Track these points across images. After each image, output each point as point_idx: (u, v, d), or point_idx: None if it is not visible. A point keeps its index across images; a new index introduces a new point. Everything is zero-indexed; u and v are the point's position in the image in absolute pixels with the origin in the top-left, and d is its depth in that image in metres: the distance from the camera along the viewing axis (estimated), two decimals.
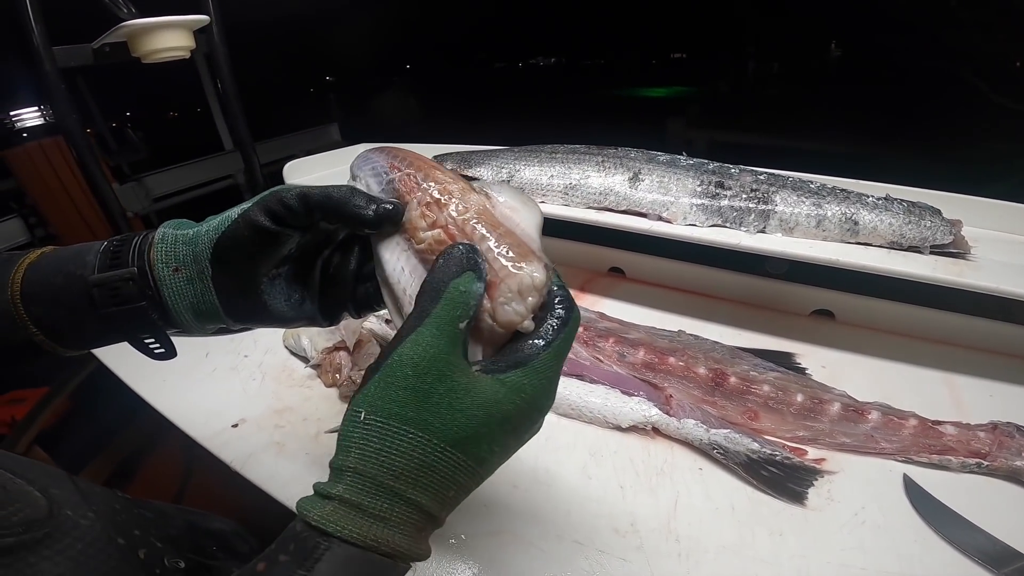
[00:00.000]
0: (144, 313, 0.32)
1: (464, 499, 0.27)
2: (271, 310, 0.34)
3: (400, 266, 0.31)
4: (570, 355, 0.32)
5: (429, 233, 0.30)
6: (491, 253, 0.27)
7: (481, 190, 0.31)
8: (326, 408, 0.64)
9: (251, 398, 0.67)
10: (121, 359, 0.71)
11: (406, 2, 2.82)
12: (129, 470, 1.25)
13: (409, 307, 0.29)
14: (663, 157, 0.68)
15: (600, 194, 0.68)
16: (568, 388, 0.59)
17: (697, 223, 0.63)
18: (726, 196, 0.62)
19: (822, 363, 0.63)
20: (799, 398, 0.55)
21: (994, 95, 1.63)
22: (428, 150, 0.95)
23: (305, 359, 0.71)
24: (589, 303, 0.80)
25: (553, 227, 0.65)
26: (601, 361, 0.61)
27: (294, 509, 0.49)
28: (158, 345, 0.35)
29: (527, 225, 0.30)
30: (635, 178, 0.66)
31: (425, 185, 0.31)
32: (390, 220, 0.30)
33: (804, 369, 0.62)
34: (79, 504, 0.32)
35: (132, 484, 1.22)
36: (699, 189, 0.63)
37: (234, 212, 0.32)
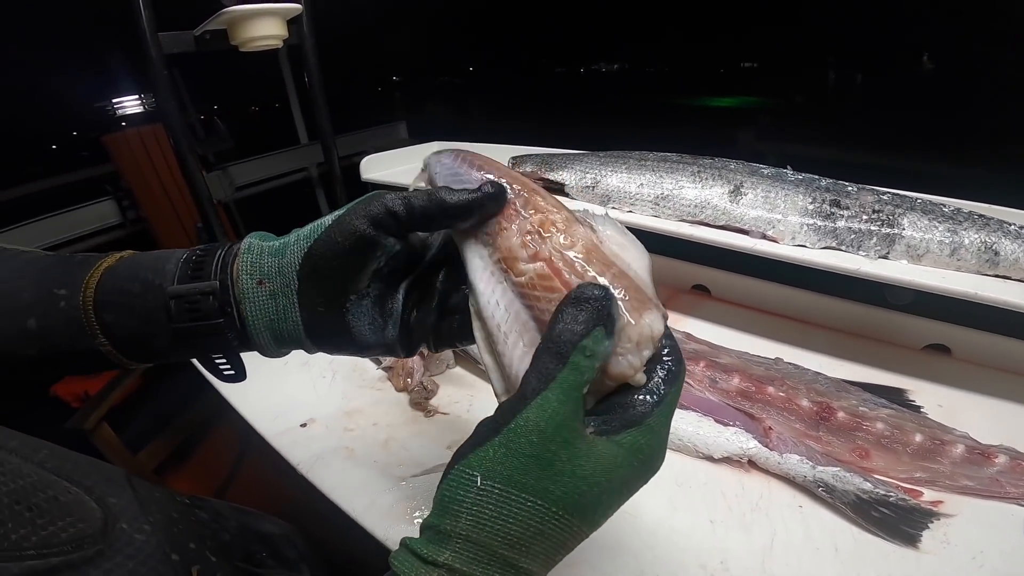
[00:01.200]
0: (220, 331, 0.30)
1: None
2: (353, 333, 0.32)
3: (495, 300, 0.28)
4: None
5: (531, 266, 0.27)
6: None
7: (585, 221, 0.29)
8: (397, 414, 0.63)
9: (321, 397, 0.66)
10: None
11: (468, 6, 2.85)
12: (185, 452, 1.29)
13: (503, 346, 0.27)
14: (767, 170, 0.63)
15: (696, 207, 0.64)
16: None
17: (808, 244, 0.57)
18: (843, 216, 0.57)
19: (939, 401, 0.57)
20: (917, 438, 0.50)
21: None
22: (499, 150, 0.93)
23: (377, 360, 0.70)
24: (671, 322, 0.75)
25: (639, 239, 0.60)
26: (691, 386, 0.57)
27: (360, 521, 0.47)
28: (229, 367, 0.34)
29: (638, 266, 0.27)
30: (736, 191, 0.62)
31: (525, 213, 0.29)
32: (494, 199, 0.29)
33: (919, 407, 0.56)
34: (136, 515, 0.31)
35: (185, 467, 1.26)
36: (811, 207, 0.58)
37: (327, 220, 0.30)
